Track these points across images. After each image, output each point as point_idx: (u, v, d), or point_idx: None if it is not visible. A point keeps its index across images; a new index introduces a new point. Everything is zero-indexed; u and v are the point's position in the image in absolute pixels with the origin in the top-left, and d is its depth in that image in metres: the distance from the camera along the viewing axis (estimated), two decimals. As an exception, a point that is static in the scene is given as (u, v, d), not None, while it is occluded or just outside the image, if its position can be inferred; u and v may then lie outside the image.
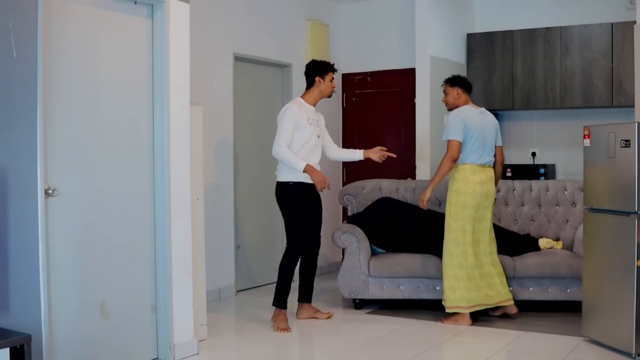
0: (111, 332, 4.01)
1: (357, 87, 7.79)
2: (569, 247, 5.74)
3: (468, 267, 5.07)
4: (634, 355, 4.20)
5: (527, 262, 5.39)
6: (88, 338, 3.87)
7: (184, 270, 4.40)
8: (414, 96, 6.88)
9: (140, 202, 4.23)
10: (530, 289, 5.37)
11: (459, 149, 5.04)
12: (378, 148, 5.46)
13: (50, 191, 3.62)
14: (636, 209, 4.21)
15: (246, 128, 6.61)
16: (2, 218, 3.44)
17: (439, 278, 5.49)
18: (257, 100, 6.82)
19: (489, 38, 7.15)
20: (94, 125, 3.95)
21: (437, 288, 5.51)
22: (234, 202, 6.35)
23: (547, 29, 6.85)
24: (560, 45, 6.78)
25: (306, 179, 5.11)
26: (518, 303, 5.40)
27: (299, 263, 5.34)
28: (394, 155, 5.52)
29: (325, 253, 7.47)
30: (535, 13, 7.15)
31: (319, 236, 5.37)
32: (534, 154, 7.19)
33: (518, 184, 6.18)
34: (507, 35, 7.04)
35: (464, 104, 5.20)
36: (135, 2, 4.18)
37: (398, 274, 5.52)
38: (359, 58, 7.73)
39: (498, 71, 7.11)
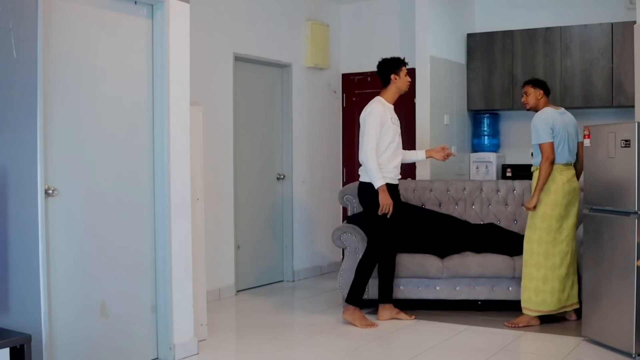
0: (111, 332, 4.01)
1: (357, 87, 7.79)
2: (569, 247, 5.73)
3: (547, 268, 5.04)
4: (634, 355, 4.20)
5: (527, 262, 5.39)
6: (88, 338, 3.87)
7: (184, 270, 4.40)
8: (414, 96, 6.88)
9: (140, 202, 4.23)
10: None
11: (553, 150, 5.03)
12: (440, 147, 5.46)
13: (50, 191, 3.62)
14: (636, 209, 4.21)
15: (246, 128, 6.61)
16: (2, 218, 3.44)
17: (439, 278, 5.50)
18: (257, 100, 6.82)
19: (489, 38, 7.15)
20: (93, 125, 3.95)
21: (437, 288, 5.51)
22: (234, 202, 6.35)
23: (547, 29, 6.84)
24: (560, 45, 6.78)
25: (392, 180, 5.11)
26: (518, 303, 5.40)
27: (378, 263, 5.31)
28: (456, 155, 5.48)
29: (325, 253, 7.49)
30: (535, 13, 7.14)
31: (400, 236, 5.34)
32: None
33: (518, 184, 6.18)
34: (507, 35, 7.04)
35: (544, 105, 5.21)
36: (135, 2, 4.18)
37: (398, 274, 5.51)
38: (359, 58, 7.73)
39: (498, 71, 7.10)
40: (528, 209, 5.12)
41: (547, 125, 5.06)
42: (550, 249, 5.06)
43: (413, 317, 5.33)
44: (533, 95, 5.25)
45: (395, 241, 5.30)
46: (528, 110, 5.33)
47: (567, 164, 5.11)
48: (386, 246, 5.20)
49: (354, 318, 5.15)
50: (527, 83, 5.33)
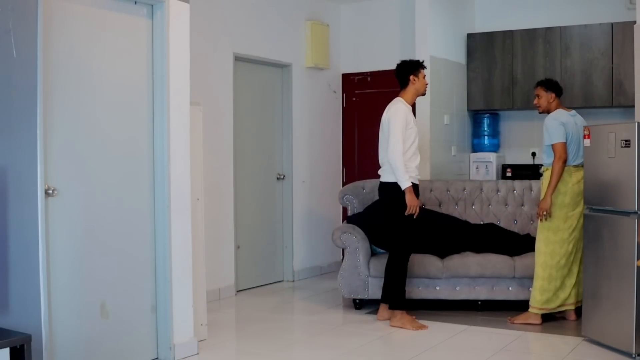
0: (111, 332, 4.01)
1: (357, 87, 7.79)
2: (569, 247, 5.74)
3: (552, 268, 5.06)
4: (634, 355, 4.20)
5: (527, 262, 5.39)
6: (88, 338, 3.87)
7: (184, 270, 4.40)
8: (414, 96, 6.88)
9: (140, 202, 4.23)
10: (530, 289, 5.36)
11: (566, 150, 5.04)
12: None
13: (50, 191, 3.62)
14: (636, 209, 4.21)
15: (246, 128, 6.61)
16: (2, 218, 3.44)
17: (439, 278, 5.50)
18: (257, 100, 6.82)
19: (489, 38, 7.14)
20: (93, 125, 3.95)
21: (437, 288, 5.51)
22: (234, 202, 6.35)
23: (547, 29, 6.84)
24: (560, 45, 6.77)
25: (414, 179, 5.10)
26: (518, 303, 5.41)
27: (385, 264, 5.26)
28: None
29: (325, 253, 7.49)
30: (535, 13, 7.14)
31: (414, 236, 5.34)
32: (534, 154, 7.19)
33: (518, 184, 6.18)
34: (507, 35, 7.04)
35: (557, 107, 5.21)
36: (135, 2, 4.18)
37: (398, 274, 5.51)
38: (359, 58, 7.73)
39: (498, 71, 7.10)
40: (543, 209, 5.05)
41: (559, 125, 5.05)
42: (557, 249, 5.07)
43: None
44: (545, 98, 5.25)
45: (414, 242, 5.28)
46: (541, 113, 5.31)
47: (577, 166, 5.10)
48: (410, 244, 5.19)
49: (404, 322, 5.10)
50: (539, 84, 5.31)
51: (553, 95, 5.23)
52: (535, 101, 5.31)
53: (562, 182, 5.07)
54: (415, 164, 5.13)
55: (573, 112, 5.24)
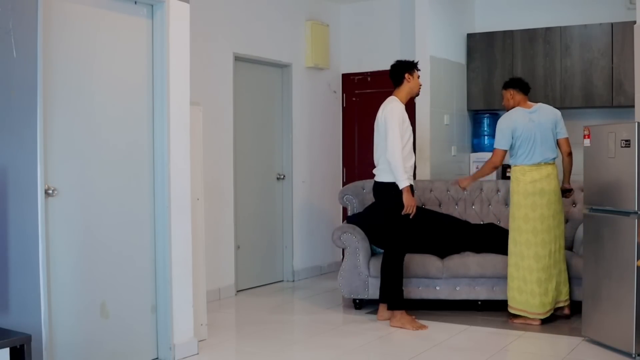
0: (111, 332, 4.01)
1: (357, 87, 7.79)
2: (569, 247, 5.73)
3: (525, 269, 5.06)
4: (634, 355, 4.20)
5: (527, 262, 5.39)
6: (88, 338, 3.87)
7: (184, 270, 4.40)
8: (413, 96, 6.88)
9: (140, 202, 4.23)
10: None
11: (502, 158, 5.19)
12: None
13: (50, 191, 3.62)
14: (636, 209, 4.21)
15: (246, 128, 6.61)
16: (2, 218, 3.44)
17: (439, 278, 5.50)
18: (257, 100, 6.82)
19: (489, 38, 7.15)
20: (93, 125, 3.94)
21: (437, 288, 5.51)
22: (234, 202, 6.35)
23: (547, 29, 6.84)
24: (560, 45, 6.78)
25: (410, 180, 5.08)
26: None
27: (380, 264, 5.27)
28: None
29: (325, 253, 7.49)
30: (535, 13, 7.14)
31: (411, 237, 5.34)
32: (534, 154, 7.18)
33: (518, 184, 6.17)
34: (507, 35, 7.04)
35: (517, 104, 5.24)
36: (135, 2, 4.18)
37: (398, 274, 5.51)
38: (359, 58, 7.73)
39: (498, 71, 7.10)
40: (459, 182, 5.47)
41: (506, 130, 5.12)
42: (525, 251, 5.07)
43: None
44: (505, 97, 5.35)
45: (408, 241, 5.28)
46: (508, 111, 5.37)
47: (536, 164, 5.09)
48: (405, 244, 5.19)
49: (403, 323, 5.09)
50: (502, 87, 5.43)
51: (511, 91, 5.29)
52: (502, 102, 5.42)
53: (515, 181, 5.13)
54: (410, 163, 5.12)
55: (535, 107, 5.22)
